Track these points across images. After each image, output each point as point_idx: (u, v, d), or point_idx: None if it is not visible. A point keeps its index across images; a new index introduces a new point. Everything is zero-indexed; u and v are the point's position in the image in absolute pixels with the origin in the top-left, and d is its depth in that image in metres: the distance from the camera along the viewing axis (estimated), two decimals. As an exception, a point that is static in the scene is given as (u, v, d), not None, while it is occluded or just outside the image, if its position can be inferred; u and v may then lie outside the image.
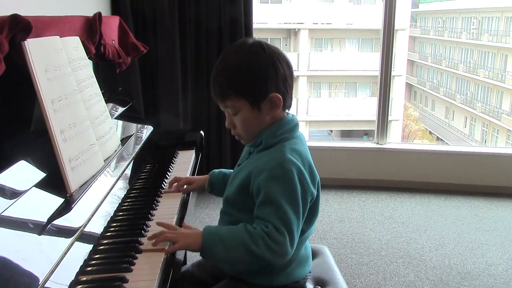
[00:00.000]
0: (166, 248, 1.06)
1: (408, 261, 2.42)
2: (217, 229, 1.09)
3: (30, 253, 0.87)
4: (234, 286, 1.19)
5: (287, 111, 1.18)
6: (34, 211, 0.96)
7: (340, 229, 2.78)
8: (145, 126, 1.89)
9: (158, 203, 1.33)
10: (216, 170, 1.40)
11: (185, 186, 1.42)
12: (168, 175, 1.56)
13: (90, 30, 1.60)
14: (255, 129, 1.14)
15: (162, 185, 1.45)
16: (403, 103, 12.25)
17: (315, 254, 1.44)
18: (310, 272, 1.26)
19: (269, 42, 1.15)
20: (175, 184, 1.42)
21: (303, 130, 10.70)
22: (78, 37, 1.44)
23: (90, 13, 1.65)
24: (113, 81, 1.95)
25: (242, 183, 1.12)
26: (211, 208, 3.00)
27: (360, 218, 2.95)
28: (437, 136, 12.98)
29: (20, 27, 1.07)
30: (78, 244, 0.99)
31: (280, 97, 1.10)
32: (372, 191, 3.40)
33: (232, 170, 1.35)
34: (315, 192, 1.13)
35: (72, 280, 0.90)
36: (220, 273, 1.27)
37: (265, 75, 1.09)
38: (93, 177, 1.22)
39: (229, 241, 1.05)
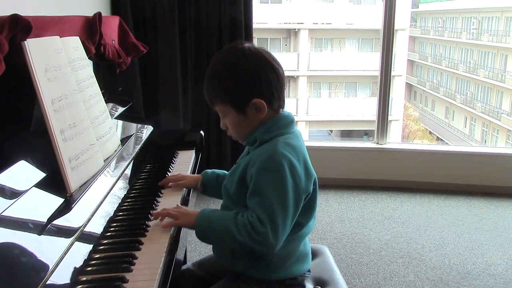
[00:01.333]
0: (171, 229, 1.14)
1: (408, 261, 2.42)
2: (210, 213, 1.14)
3: (30, 253, 0.87)
4: (234, 284, 1.20)
5: (281, 110, 1.19)
6: (34, 211, 0.96)
7: (340, 229, 2.78)
8: (145, 126, 1.89)
9: (158, 203, 1.33)
10: (209, 170, 1.41)
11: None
12: (168, 175, 1.55)
13: (90, 30, 1.60)
14: (244, 132, 1.18)
15: (162, 185, 1.45)
16: (403, 103, 12.24)
17: (315, 254, 1.44)
18: (309, 271, 1.26)
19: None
20: (171, 178, 1.44)
21: (303, 130, 10.70)
22: (78, 37, 1.44)
23: (90, 13, 1.65)
24: (113, 81, 1.95)
25: (240, 177, 1.14)
26: (211, 208, 3.00)
27: (360, 218, 2.95)
28: (437, 136, 12.97)
29: (20, 27, 1.07)
30: (78, 244, 0.99)
31: (263, 102, 1.12)
32: (372, 191, 3.40)
33: (225, 171, 1.37)
34: (310, 187, 1.14)
35: (72, 280, 0.90)
36: (220, 271, 1.27)
37: (245, 82, 1.11)
38: (93, 177, 1.22)
39: (217, 226, 1.10)
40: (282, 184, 1.06)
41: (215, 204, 2.97)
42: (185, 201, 1.39)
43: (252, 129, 1.16)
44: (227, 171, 1.37)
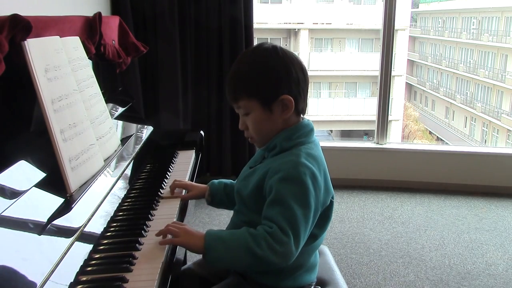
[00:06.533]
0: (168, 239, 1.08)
1: (408, 261, 2.42)
2: (219, 232, 1.09)
3: (30, 253, 0.87)
4: (238, 285, 1.19)
5: (302, 116, 1.17)
6: (34, 211, 0.96)
7: (340, 229, 2.78)
8: (145, 126, 1.89)
9: (158, 203, 1.33)
10: (216, 181, 1.38)
11: (184, 192, 1.40)
12: (168, 175, 1.56)
13: (90, 30, 1.60)
14: (266, 131, 1.14)
15: (162, 185, 1.45)
16: (403, 103, 12.25)
17: (315, 254, 1.44)
18: (315, 278, 1.26)
19: (268, 42, 1.16)
20: (176, 190, 1.40)
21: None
22: (78, 37, 1.44)
23: (90, 13, 1.65)
24: (113, 81, 1.95)
25: (257, 183, 1.11)
26: (211, 208, 3.00)
27: (360, 218, 2.95)
28: (437, 136, 12.98)
29: (20, 27, 1.07)
30: (78, 244, 0.99)
31: (292, 99, 1.09)
32: (372, 191, 3.40)
33: (232, 181, 1.35)
34: (328, 200, 1.13)
35: (72, 280, 0.90)
36: (223, 271, 1.26)
37: (277, 76, 1.09)
38: (93, 177, 1.22)
39: (231, 243, 1.04)
40: (304, 194, 1.05)
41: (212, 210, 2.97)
42: (185, 202, 1.38)
43: (273, 130, 1.13)
44: (233, 180, 1.34)
